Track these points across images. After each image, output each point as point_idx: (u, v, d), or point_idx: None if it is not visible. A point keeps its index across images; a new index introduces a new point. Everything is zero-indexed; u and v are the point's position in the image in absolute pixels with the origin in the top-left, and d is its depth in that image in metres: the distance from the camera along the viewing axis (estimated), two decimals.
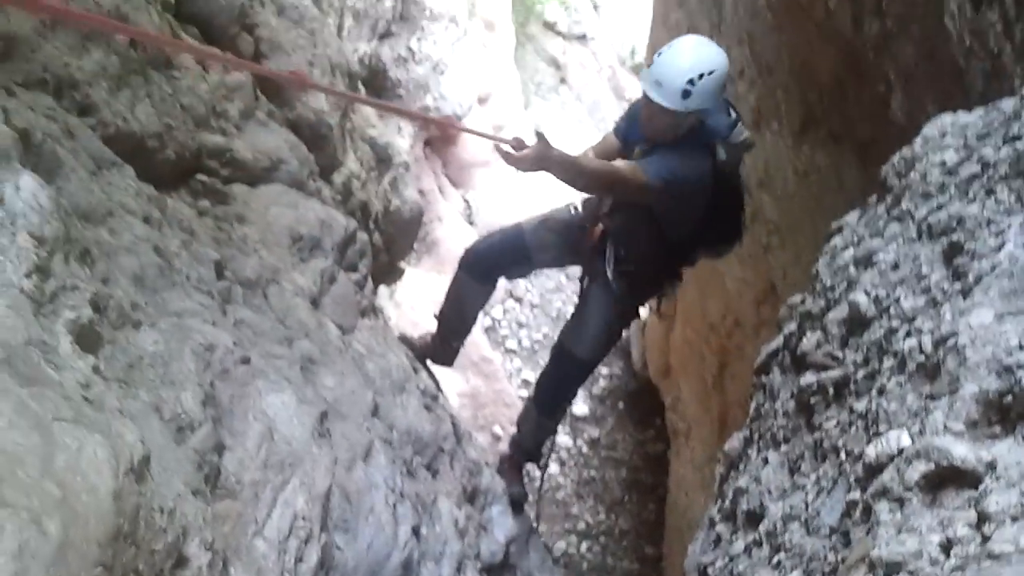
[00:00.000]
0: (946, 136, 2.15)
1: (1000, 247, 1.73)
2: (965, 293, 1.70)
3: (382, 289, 5.99)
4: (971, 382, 1.55)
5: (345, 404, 2.68)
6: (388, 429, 2.98)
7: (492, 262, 4.22)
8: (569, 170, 3.30)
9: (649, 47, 10.30)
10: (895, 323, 1.86)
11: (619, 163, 3.56)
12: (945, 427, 1.50)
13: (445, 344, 4.40)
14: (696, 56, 3.38)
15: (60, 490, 1.14)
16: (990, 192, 1.88)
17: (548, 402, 4.39)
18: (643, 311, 4.57)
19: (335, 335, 2.95)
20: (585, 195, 3.98)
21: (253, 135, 3.20)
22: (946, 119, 2.21)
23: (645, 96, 3.47)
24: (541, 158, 3.13)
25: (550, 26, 14.92)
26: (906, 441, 1.57)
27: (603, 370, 10.20)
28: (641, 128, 3.66)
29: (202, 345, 1.85)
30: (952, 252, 1.83)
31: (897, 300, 1.90)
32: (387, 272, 5.13)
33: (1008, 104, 2.13)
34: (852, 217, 2.47)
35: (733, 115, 3.76)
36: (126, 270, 1.89)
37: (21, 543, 1.04)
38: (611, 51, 15.80)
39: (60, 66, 2.31)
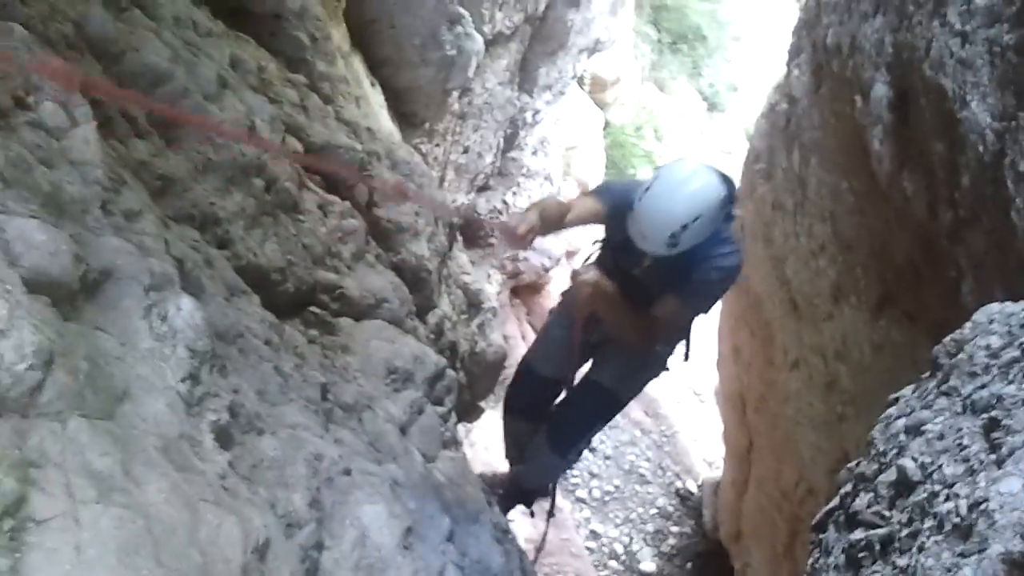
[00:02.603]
0: (993, 323, 2.34)
1: None
2: (999, 463, 1.87)
3: (460, 427, 6.22)
4: (997, 543, 1.71)
5: (423, 526, 2.88)
6: (461, 555, 3.16)
7: (528, 405, 4.06)
8: (622, 314, 3.32)
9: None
10: (937, 487, 2.03)
11: (662, 309, 3.39)
12: None
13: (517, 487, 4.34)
14: (679, 206, 3.14)
15: (202, 557, 1.38)
16: None
17: (565, 438, 3.96)
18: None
19: (419, 462, 3.18)
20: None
21: (362, 275, 3.53)
22: (994, 307, 2.40)
23: None
24: (600, 288, 3.20)
25: None
26: None
27: (673, 528, 10.15)
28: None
29: (312, 455, 2.11)
30: (991, 426, 2.01)
31: (940, 467, 2.07)
32: (468, 410, 5.38)
33: None
34: (907, 390, 2.64)
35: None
36: (252, 384, 2.17)
37: None
38: None
39: (206, 204, 2.67)
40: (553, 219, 3.35)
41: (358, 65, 5.49)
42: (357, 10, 5.68)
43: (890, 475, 2.31)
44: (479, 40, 6.75)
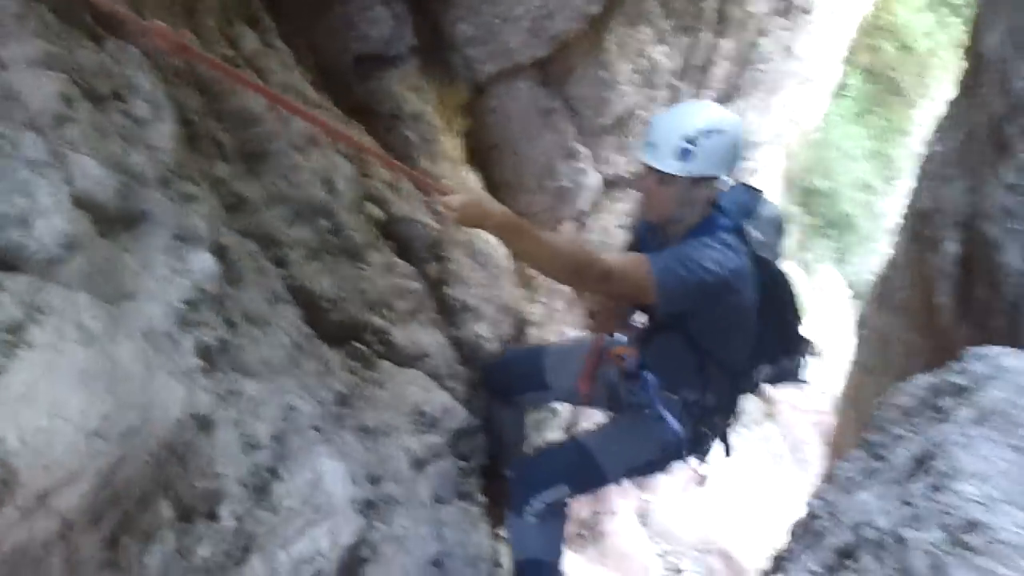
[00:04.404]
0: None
1: None
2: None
3: None
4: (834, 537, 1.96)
5: (410, 543, 3.19)
6: None
7: (506, 378, 3.89)
8: (525, 238, 2.72)
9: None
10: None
11: (616, 253, 3.11)
12: None
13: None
14: (698, 113, 2.93)
15: (145, 400, 1.80)
16: None
17: (520, 489, 3.53)
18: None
19: (425, 494, 3.50)
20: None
21: (411, 330, 3.96)
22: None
23: (643, 166, 3.01)
24: (474, 205, 2.65)
25: None
26: None
27: None
28: (644, 215, 3.20)
29: (290, 407, 2.51)
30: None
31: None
32: None
33: None
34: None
35: (753, 192, 3.24)
36: (258, 352, 2.60)
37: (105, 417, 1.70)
38: (826, 398, 16.01)
39: (271, 227, 3.19)
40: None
41: (471, 178, 6.08)
42: (481, 135, 6.33)
43: None
44: (596, 177, 7.29)
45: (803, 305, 3.41)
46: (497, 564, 4.07)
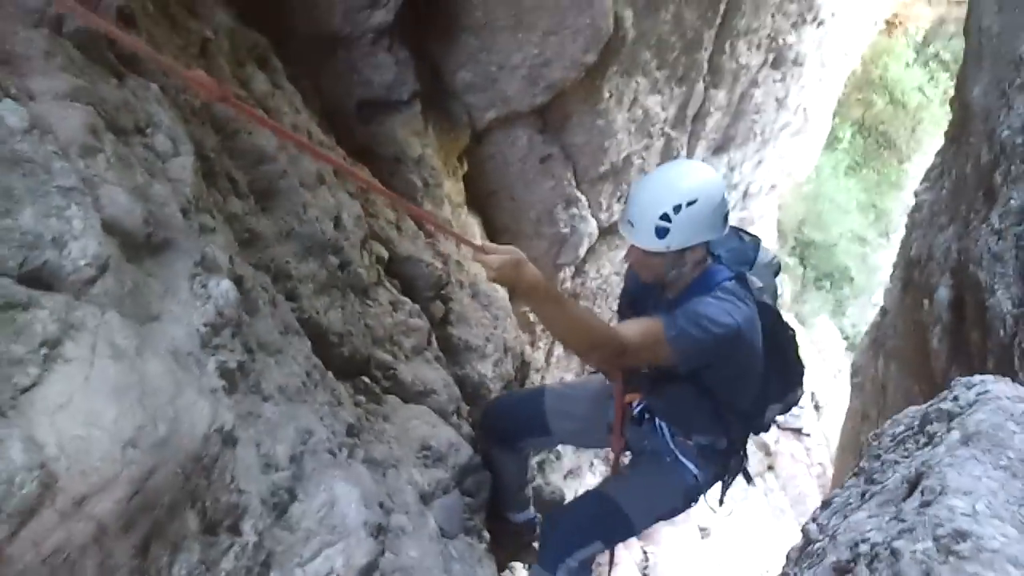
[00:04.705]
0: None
1: None
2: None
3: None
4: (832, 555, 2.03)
5: (419, 574, 3.23)
6: None
7: (507, 425, 3.82)
8: (552, 305, 2.81)
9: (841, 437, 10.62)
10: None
11: (632, 321, 3.08)
12: None
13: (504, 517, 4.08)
14: (671, 186, 2.89)
15: (174, 414, 1.87)
16: None
17: (552, 548, 3.50)
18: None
19: (432, 527, 3.54)
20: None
21: (417, 367, 4.03)
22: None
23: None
24: (512, 266, 2.69)
25: None
26: None
27: None
28: (641, 278, 3.20)
29: (307, 431, 2.57)
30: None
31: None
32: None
33: None
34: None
35: (747, 238, 3.25)
36: (274, 379, 2.67)
37: (138, 428, 1.77)
38: (825, 450, 16.04)
39: (282, 262, 3.28)
40: None
41: (472, 222, 6.20)
42: (480, 180, 6.46)
43: None
44: (592, 223, 7.41)
45: (798, 342, 3.51)
46: None
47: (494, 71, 5.74)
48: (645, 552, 11.60)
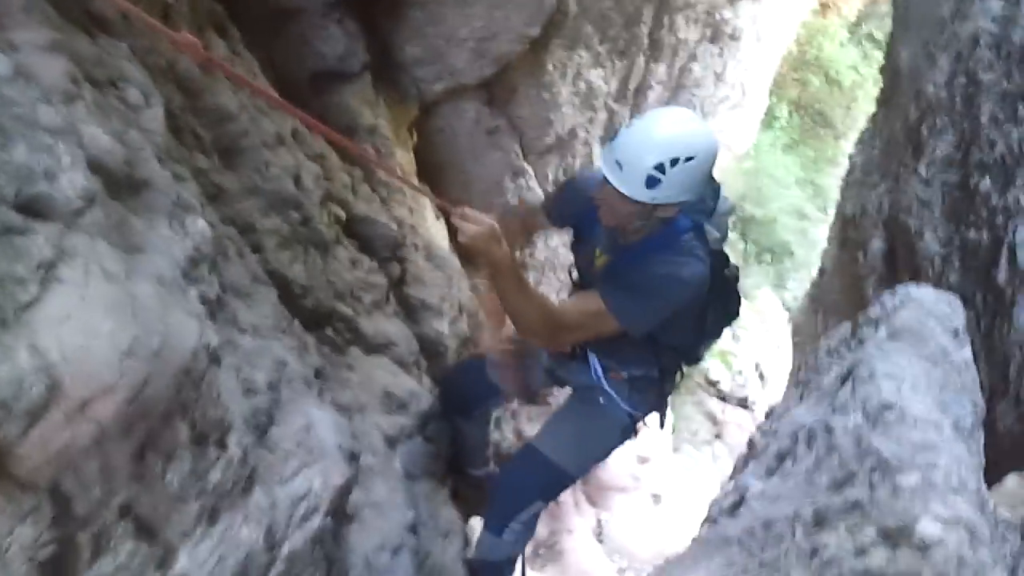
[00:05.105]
0: None
1: None
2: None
3: None
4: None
5: (388, 509, 3.40)
6: (424, 555, 3.63)
7: (460, 395, 3.92)
8: (513, 283, 2.73)
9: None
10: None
11: (575, 301, 3.08)
12: None
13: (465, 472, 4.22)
14: (672, 136, 2.67)
15: (164, 328, 2.02)
16: None
17: (497, 512, 3.55)
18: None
19: (398, 468, 3.71)
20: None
21: (377, 321, 4.19)
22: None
23: (603, 178, 2.79)
24: (488, 235, 2.59)
25: (712, 383, 15.87)
26: None
27: None
28: (599, 216, 2.96)
29: (281, 361, 2.73)
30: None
31: None
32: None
33: None
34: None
35: (715, 184, 3.03)
36: (248, 317, 2.83)
37: (134, 339, 1.92)
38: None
39: (247, 216, 3.42)
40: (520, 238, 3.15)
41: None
42: (430, 152, 6.62)
43: None
44: (540, 194, 7.59)
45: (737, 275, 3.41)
46: (466, 543, 4.29)
47: (441, 44, 5.89)
48: (599, 519, 11.85)
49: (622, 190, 2.71)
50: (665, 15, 8.03)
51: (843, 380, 2.29)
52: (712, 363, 15.85)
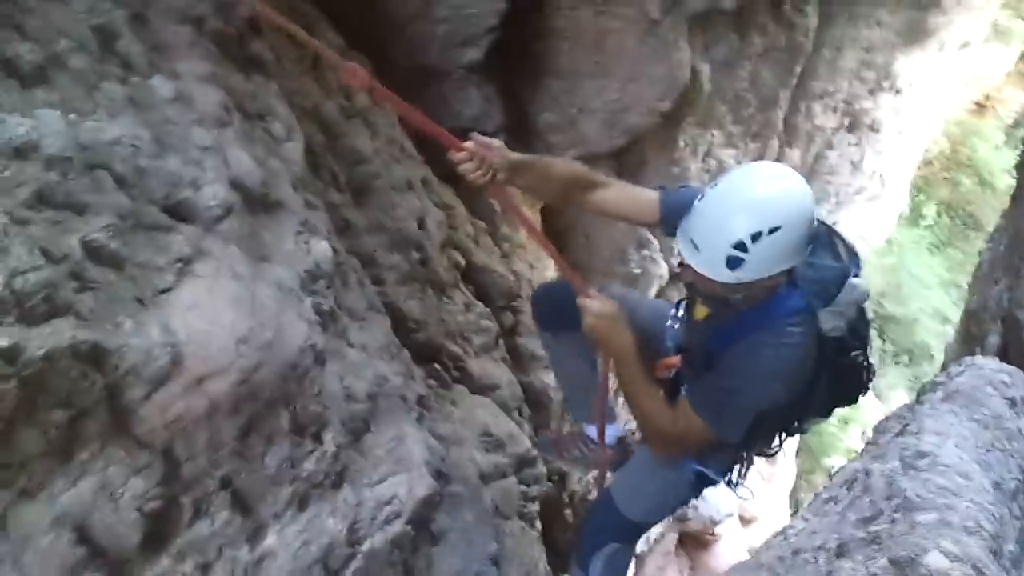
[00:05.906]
0: None
1: None
2: None
3: None
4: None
5: (474, 537, 3.55)
6: None
7: (556, 304, 3.06)
8: (631, 373, 2.51)
9: None
10: None
11: (678, 416, 2.59)
12: None
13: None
14: (752, 204, 2.19)
15: (277, 324, 2.28)
16: None
17: (581, 549, 3.28)
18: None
19: (488, 503, 3.87)
20: None
21: (484, 363, 4.41)
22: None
23: None
24: (611, 319, 2.44)
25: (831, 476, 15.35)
26: None
27: None
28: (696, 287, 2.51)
29: (383, 377, 2.97)
30: None
31: None
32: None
33: None
34: None
35: (842, 250, 2.51)
36: (358, 337, 3.08)
37: (249, 330, 2.19)
38: None
39: (371, 250, 3.71)
40: (552, 185, 2.73)
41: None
42: (556, 215, 6.86)
43: None
44: (663, 267, 7.74)
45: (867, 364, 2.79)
46: None
47: (575, 113, 6.16)
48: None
49: (705, 273, 2.30)
50: (802, 101, 8.13)
51: (896, 436, 2.37)
52: (835, 458, 15.43)
